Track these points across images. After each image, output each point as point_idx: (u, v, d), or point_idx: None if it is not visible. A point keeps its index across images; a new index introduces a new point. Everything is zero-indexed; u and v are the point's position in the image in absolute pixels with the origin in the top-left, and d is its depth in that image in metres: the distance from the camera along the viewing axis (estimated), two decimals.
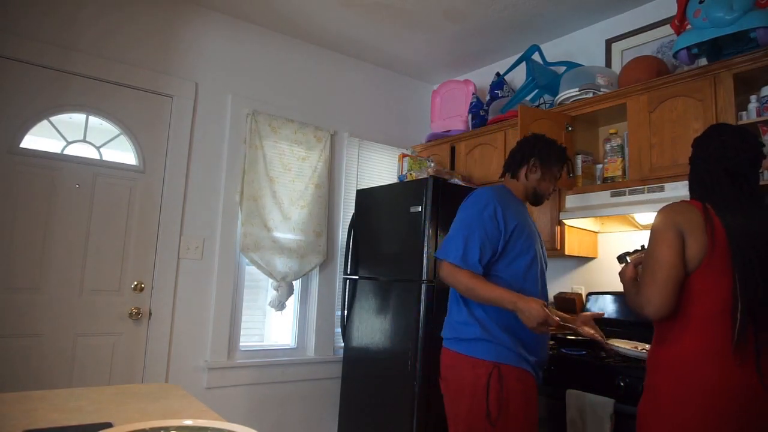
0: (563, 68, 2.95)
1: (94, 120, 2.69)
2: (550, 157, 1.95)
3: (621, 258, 1.76)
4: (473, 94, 3.36)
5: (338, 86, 3.52)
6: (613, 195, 2.36)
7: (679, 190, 2.09)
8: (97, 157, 2.68)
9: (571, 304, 2.73)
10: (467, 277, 1.74)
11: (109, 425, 0.99)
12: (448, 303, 1.93)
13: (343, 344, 3.15)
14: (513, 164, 1.99)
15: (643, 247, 1.73)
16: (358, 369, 2.96)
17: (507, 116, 2.98)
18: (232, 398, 2.92)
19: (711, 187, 1.49)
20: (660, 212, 1.49)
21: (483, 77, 3.58)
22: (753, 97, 2.05)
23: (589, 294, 2.72)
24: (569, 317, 2.10)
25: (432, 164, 3.20)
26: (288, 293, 3.08)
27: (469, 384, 1.74)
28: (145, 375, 2.69)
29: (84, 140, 2.66)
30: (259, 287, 3.20)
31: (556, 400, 2.17)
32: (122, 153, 2.76)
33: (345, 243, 3.26)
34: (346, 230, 3.27)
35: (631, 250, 1.74)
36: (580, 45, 3.08)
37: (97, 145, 2.69)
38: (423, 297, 2.57)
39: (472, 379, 1.73)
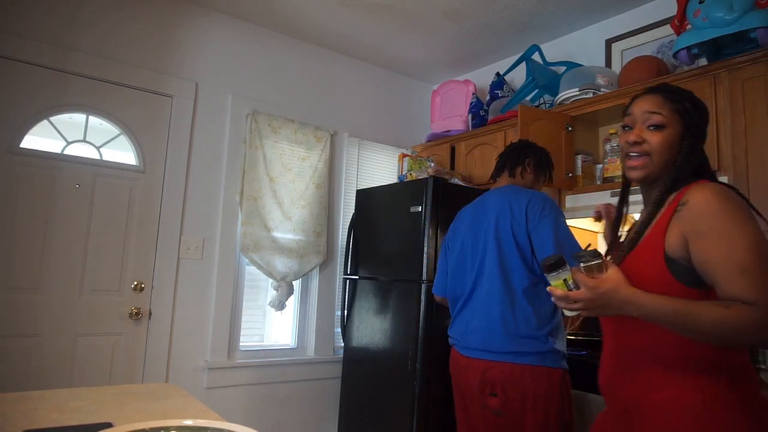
0: (563, 68, 2.95)
1: (94, 120, 2.69)
2: (542, 161, 2.04)
3: (567, 263, 1.10)
4: (473, 94, 3.36)
5: (338, 86, 3.52)
6: (613, 195, 2.35)
7: None
8: (97, 157, 2.68)
9: None
10: None
11: (109, 425, 0.99)
12: (497, 310, 1.75)
13: (343, 344, 3.15)
14: (509, 162, 2.03)
15: (592, 248, 1.12)
16: (358, 369, 2.96)
17: (507, 116, 2.98)
18: (232, 398, 2.92)
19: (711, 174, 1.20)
20: (711, 190, 1.08)
21: (483, 77, 3.58)
22: None
23: None
24: None
25: (432, 164, 3.19)
26: (288, 293, 3.08)
27: (543, 396, 1.66)
28: (145, 375, 2.69)
29: (84, 140, 2.66)
30: (259, 287, 3.20)
31: None
32: (122, 153, 2.77)
33: (345, 243, 3.26)
34: (346, 230, 3.27)
35: (573, 255, 1.12)
36: (580, 45, 3.08)
37: (97, 145, 2.69)
38: (423, 297, 2.57)
39: (546, 390, 1.67)
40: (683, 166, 1.16)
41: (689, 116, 1.19)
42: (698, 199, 1.08)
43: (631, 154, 1.19)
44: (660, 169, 1.18)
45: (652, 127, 1.17)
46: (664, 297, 1.03)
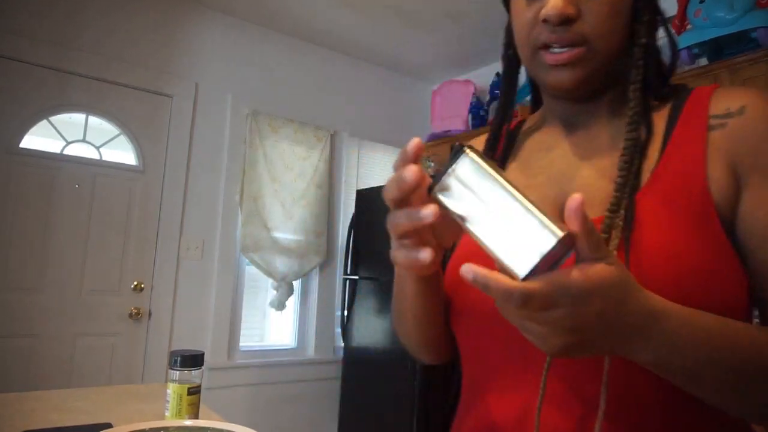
0: None
1: (93, 120, 2.69)
2: None
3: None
4: (473, 94, 3.36)
5: (338, 86, 3.52)
6: None
7: None
8: (97, 157, 2.68)
9: None
10: None
11: (109, 425, 0.99)
12: None
13: (343, 344, 3.15)
14: None
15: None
16: (358, 369, 2.96)
17: None
18: (232, 398, 2.92)
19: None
20: (762, 92, 0.58)
21: (483, 77, 3.58)
22: None
23: None
24: None
25: (432, 164, 3.19)
26: (288, 293, 3.08)
27: None
28: (145, 375, 2.69)
29: (84, 140, 2.66)
30: (259, 287, 3.20)
31: None
32: (122, 153, 2.76)
33: (345, 243, 3.26)
34: (346, 230, 3.27)
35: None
36: None
37: (97, 145, 2.69)
38: None
39: None
40: (654, 53, 0.60)
41: None
42: (761, 104, 0.54)
43: (555, 49, 0.57)
44: (606, 65, 0.59)
45: None
46: (702, 313, 0.46)
